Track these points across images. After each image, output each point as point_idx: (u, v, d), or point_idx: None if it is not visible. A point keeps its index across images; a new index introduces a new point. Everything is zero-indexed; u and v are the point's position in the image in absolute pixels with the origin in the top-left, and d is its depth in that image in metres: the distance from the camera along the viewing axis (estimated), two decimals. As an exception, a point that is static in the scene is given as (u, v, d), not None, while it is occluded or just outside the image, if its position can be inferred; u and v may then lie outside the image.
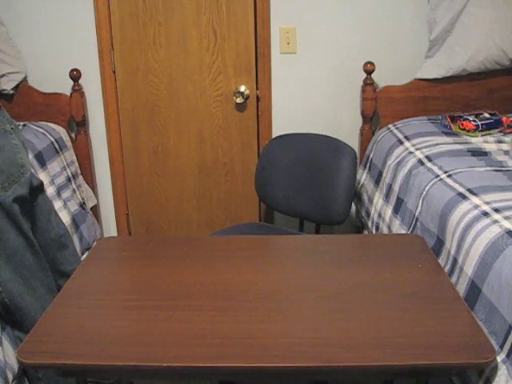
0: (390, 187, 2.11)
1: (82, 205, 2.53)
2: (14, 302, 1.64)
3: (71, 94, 2.56)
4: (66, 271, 1.90)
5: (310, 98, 2.63)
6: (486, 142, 2.08)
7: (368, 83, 2.50)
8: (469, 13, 2.37)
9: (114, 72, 2.61)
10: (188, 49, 2.56)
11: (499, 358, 1.22)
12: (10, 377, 1.54)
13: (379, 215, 2.16)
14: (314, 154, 2.30)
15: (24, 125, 2.46)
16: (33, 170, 1.82)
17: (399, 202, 2.00)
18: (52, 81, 2.62)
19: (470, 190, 1.64)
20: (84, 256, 2.33)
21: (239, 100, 2.57)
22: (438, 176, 1.82)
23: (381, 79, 2.56)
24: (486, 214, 1.48)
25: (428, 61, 2.49)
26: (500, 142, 2.08)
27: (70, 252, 1.97)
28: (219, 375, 1.37)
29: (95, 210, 2.76)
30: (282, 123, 2.66)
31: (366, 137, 2.58)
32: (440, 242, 1.64)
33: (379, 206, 2.18)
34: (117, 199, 2.82)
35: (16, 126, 1.75)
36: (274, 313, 1.33)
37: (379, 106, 2.53)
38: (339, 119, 2.66)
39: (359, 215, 2.49)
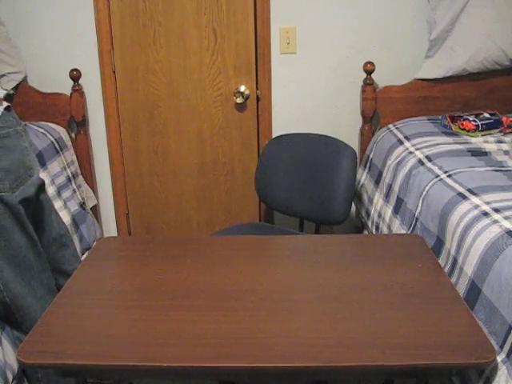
0: (390, 187, 2.11)
1: (82, 205, 2.53)
2: (15, 302, 1.65)
3: (71, 94, 2.57)
4: (67, 271, 1.90)
5: (309, 98, 2.63)
6: (486, 142, 2.08)
7: (368, 83, 2.50)
8: (469, 13, 2.37)
9: (114, 72, 2.61)
10: (188, 49, 2.56)
11: (499, 358, 1.22)
12: (10, 377, 1.54)
13: (379, 215, 2.16)
14: (314, 154, 2.30)
15: (24, 125, 2.45)
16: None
17: (399, 202, 2.00)
18: (52, 81, 2.62)
19: (470, 190, 1.64)
20: (84, 256, 2.33)
21: (239, 100, 2.57)
22: (438, 176, 1.82)
23: (381, 79, 2.56)
24: (486, 213, 1.48)
25: (428, 61, 2.49)
26: (500, 142, 2.08)
27: (70, 252, 1.97)
28: (219, 375, 1.37)
29: (95, 210, 2.76)
30: (282, 123, 2.66)
31: (366, 137, 2.58)
32: (440, 242, 1.64)
33: (379, 206, 2.18)
34: (117, 199, 2.82)
35: (24, 128, 1.76)
36: (274, 313, 1.33)
37: (379, 106, 2.53)
38: (339, 119, 2.66)
39: (359, 215, 2.49)
